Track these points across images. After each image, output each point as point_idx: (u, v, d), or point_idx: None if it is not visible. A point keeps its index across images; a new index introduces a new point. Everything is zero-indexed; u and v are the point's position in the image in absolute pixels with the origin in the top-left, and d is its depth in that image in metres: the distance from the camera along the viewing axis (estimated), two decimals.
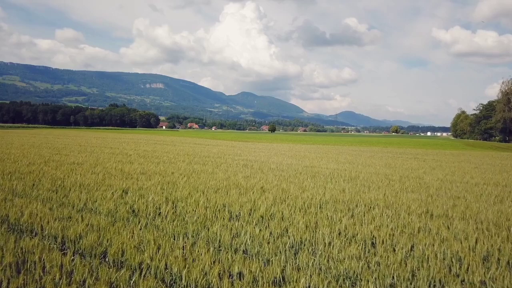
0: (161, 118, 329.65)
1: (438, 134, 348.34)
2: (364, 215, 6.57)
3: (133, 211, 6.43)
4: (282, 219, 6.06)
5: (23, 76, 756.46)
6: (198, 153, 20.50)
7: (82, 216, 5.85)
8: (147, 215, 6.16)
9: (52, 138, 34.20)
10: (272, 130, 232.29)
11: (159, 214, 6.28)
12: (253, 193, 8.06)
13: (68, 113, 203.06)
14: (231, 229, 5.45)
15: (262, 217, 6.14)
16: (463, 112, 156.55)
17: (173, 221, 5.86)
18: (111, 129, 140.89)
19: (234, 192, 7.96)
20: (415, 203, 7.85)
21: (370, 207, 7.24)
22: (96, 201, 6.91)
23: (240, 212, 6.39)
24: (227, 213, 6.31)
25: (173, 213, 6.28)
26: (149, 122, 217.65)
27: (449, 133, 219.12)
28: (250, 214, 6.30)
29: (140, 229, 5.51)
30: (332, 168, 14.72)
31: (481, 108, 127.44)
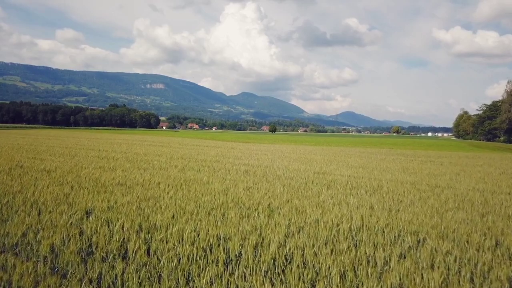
0: (162, 118, 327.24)
1: (439, 134, 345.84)
2: (417, 252, 4.66)
3: (89, 246, 4.53)
4: (304, 264, 4.13)
5: (23, 76, 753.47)
6: (194, 156, 18.56)
7: (5, 260, 3.94)
8: (106, 256, 4.25)
9: (42, 139, 32.28)
10: (273, 130, 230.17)
11: (125, 254, 4.37)
12: (258, 215, 6.13)
13: (68, 113, 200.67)
14: (227, 287, 3.55)
15: (273, 259, 4.22)
16: (466, 112, 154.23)
17: (143, 267, 3.96)
18: (110, 129, 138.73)
19: (233, 214, 6.02)
20: (473, 229, 5.92)
21: (419, 238, 5.30)
22: (42, 229, 5.00)
23: (241, 250, 4.46)
24: (222, 252, 4.38)
25: (144, 251, 4.36)
26: (149, 122, 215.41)
27: (451, 134, 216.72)
28: (255, 254, 4.37)
29: (91, 283, 3.61)
30: (347, 175, 12.78)
31: (485, 108, 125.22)
